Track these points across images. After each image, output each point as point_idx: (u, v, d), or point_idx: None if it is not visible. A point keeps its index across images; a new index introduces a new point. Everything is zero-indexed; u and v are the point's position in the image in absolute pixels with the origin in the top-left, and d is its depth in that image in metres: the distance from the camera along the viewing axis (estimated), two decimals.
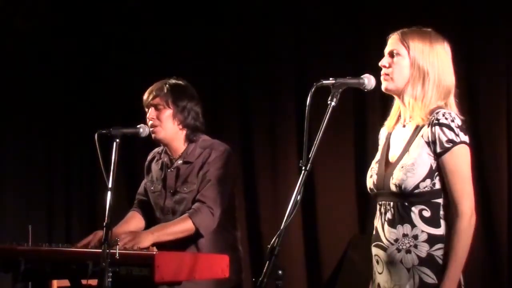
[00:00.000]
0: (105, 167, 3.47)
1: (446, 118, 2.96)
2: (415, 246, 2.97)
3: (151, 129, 3.96)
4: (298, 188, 2.77)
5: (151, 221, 4.15)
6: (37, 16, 6.45)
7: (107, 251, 3.25)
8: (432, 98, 3.02)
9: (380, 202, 3.07)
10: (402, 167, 2.99)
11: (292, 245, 5.66)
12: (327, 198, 5.69)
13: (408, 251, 2.98)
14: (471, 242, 2.93)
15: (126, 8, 6.43)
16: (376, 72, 3.07)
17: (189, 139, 4.06)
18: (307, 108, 2.83)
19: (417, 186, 2.95)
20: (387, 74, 3.07)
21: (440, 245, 2.96)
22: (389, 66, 3.07)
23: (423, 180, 2.96)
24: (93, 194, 6.51)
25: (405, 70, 3.04)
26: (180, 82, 4.12)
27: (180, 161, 4.05)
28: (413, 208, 2.98)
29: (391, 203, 3.02)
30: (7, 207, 6.44)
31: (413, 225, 2.97)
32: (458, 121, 2.97)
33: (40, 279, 3.99)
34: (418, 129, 3.02)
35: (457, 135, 2.95)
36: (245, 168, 5.93)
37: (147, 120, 4.05)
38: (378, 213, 3.08)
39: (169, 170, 4.08)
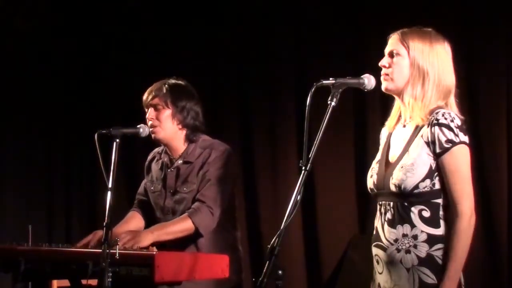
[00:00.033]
0: (105, 167, 3.47)
1: (446, 118, 2.96)
2: (415, 246, 2.97)
3: (150, 129, 3.96)
4: (298, 188, 2.77)
5: (151, 221, 4.15)
6: (37, 16, 6.45)
7: (107, 251, 3.25)
8: (432, 98, 3.02)
9: (380, 202, 3.07)
10: (402, 167, 2.99)
11: (292, 245, 5.66)
12: (327, 198, 5.69)
13: (407, 251, 2.98)
14: (471, 242, 2.93)
15: (126, 8, 6.43)
16: (376, 72, 3.07)
17: (189, 139, 4.06)
18: (307, 108, 2.83)
19: (416, 186, 2.95)
20: (387, 74, 3.07)
21: (439, 245, 2.96)
22: (389, 66, 3.07)
23: (423, 180, 2.96)
24: (93, 194, 6.51)
25: (405, 70, 3.04)
26: (179, 82, 4.12)
27: (180, 161, 4.05)
28: (412, 208, 2.98)
29: (391, 203, 3.02)
30: (7, 207, 6.44)
31: (413, 225, 2.97)
32: (458, 121, 2.97)
33: (40, 279, 3.99)
34: (418, 129, 3.03)
35: (456, 135, 2.95)
36: (245, 168, 5.93)
37: (147, 120, 4.05)
38: (378, 213, 3.08)
39: (169, 170, 4.08)
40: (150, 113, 4.05)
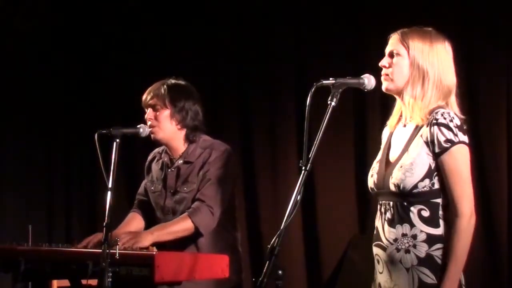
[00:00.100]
0: (105, 167, 3.47)
1: (445, 118, 2.96)
2: (414, 246, 2.97)
3: (149, 129, 3.96)
4: (298, 188, 2.77)
5: (151, 222, 4.15)
6: (37, 16, 6.45)
7: (107, 251, 3.25)
8: (432, 98, 3.02)
9: (380, 202, 3.08)
10: (401, 166, 2.99)
11: (292, 245, 5.66)
12: (327, 198, 5.68)
13: (407, 251, 2.98)
14: (471, 242, 2.93)
15: (126, 8, 6.43)
16: (376, 72, 3.07)
17: (188, 139, 4.06)
18: (307, 108, 2.83)
19: (415, 186, 2.95)
20: (387, 74, 3.07)
21: (439, 245, 2.96)
22: (389, 66, 3.07)
23: (422, 180, 2.96)
24: (93, 194, 6.50)
25: (405, 70, 3.04)
26: (179, 82, 4.12)
27: (180, 161, 4.05)
28: (412, 208, 2.98)
29: (391, 203, 3.02)
30: (7, 207, 6.44)
31: (412, 225, 2.97)
32: (457, 121, 2.97)
33: (40, 279, 4.00)
34: (417, 129, 3.03)
35: (455, 135, 2.95)
36: (245, 168, 5.93)
37: (146, 120, 4.05)
38: (378, 212, 3.08)
39: (169, 170, 4.08)
40: (149, 113, 4.05)
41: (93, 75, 6.61)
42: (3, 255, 3.86)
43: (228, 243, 4.01)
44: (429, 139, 2.97)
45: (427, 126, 2.98)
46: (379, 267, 3.07)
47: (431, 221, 2.96)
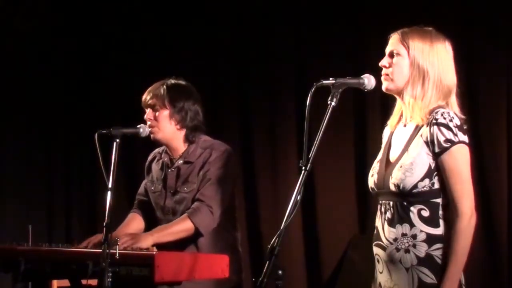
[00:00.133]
0: (105, 167, 3.47)
1: (445, 118, 2.96)
2: (414, 246, 2.97)
3: (148, 129, 3.96)
4: (298, 188, 2.77)
5: (151, 222, 4.15)
6: (37, 16, 6.45)
7: (107, 251, 3.25)
8: (432, 98, 3.02)
9: (380, 202, 3.08)
10: (401, 166, 2.99)
11: (292, 245, 5.66)
12: (327, 198, 5.68)
13: (407, 251, 2.98)
14: (471, 242, 2.93)
15: (126, 8, 6.43)
16: (376, 72, 3.07)
17: (188, 139, 4.06)
18: (307, 108, 2.83)
19: (415, 186, 2.95)
20: (387, 74, 3.07)
21: (439, 245, 2.96)
22: (389, 66, 3.07)
23: (422, 179, 2.96)
24: (93, 194, 6.50)
25: (405, 70, 3.04)
26: (179, 82, 4.11)
27: (180, 161, 4.05)
28: (412, 208, 2.98)
29: (391, 203, 3.02)
30: (7, 207, 6.44)
31: (412, 225, 2.97)
32: (457, 121, 2.97)
33: (40, 279, 4.00)
34: (417, 128, 3.03)
35: (455, 134, 2.95)
36: (245, 168, 5.93)
37: (145, 120, 4.05)
38: (378, 212, 3.09)
39: (169, 170, 4.08)
40: (148, 113, 4.06)
41: (93, 75, 6.61)
42: (3, 255, 3.86)
43: (228, 243, 4.01)
44: (429, 139, 2.97)
45: (427, 126, 2.98)
46: (379, 267, 3.07)
47: (431, 221, 2.96)
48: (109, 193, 3.40)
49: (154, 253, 3.42)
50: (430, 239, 2.95)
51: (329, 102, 2.89)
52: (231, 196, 4.04)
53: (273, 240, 2.71)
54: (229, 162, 4.00)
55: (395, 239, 3.00)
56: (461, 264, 2.92)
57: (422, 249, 2.96)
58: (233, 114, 6.13)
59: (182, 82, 4.12)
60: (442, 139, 2.94)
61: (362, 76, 3.01)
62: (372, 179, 3.10)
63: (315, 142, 2.82)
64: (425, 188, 2.96)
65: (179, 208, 4.00)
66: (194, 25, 6.20)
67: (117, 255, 3.29)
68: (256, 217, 5.93)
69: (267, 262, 2.70)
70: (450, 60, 3.07)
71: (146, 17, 6.42)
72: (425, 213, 2.97)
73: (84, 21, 6.55)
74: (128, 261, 3.39)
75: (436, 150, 2.95)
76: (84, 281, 3.61)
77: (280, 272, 2.70)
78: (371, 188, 3.12)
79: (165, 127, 4.03)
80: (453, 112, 2.99)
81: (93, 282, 3.46)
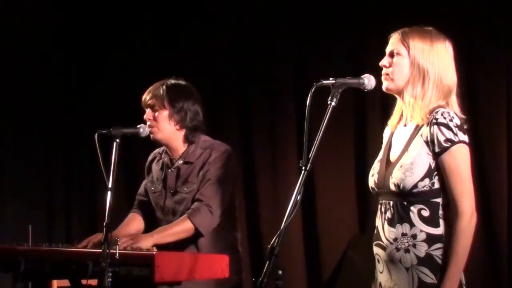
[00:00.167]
0: (105, 167, 3.47)
1: (445, 118, 2.96)
2: (414, 246, 2.97)
3: (148, 129, 3.96)
4: (298, 188, 2.77)
5: (151, 222, 4.15)
6: (37, 16, 6.45)
7: (107, 251, 3.25)
8: (432, 98, 3.02)
9: (381, 201, 3.08)
10: (401, 166, 2.99)
11: (292, 245, 5.66)
12: (327, 198, 5.68)
13: (407, 251, 2.98)
14: (472, 242, 2.93)
15: (126, 8, 6.43)
16: (376, 72, 3.07)
17: (188, 140, 4.06)
18: (307, 108, 2.83)
19: (415, 186, 2.95)
20: (388, 74, 3.07)
21: (439, 245, 2.96)
22: (389, 66, 3.07)
23: (422, 179, 2.96)
24: (93, 194, 6.50)
25: (405, 69, 3.04)
26: (179, 82, 4.11)
27: (180, 161, 4.05)
28: (412, 208, 2.98)
29: (391, 202, 3.02)
30: (7, 207, 6.44)
31: (412, 225, 2.97)
32: (457, 121, 2.97)
33: (40, 279, 4.00)
34: (418, 128, 3.03)
35: (455, 134, 2.95)
36: (245, 168, 5.93)
37: (145, 120, 4.05)
38: (379, 212, 3.09)
39: (169, 170, 4.08)
40: (148, 113, 4.06)
41: (93, 75, 6.61)
42: (3, 255, 3.86)
43: (228, 243, 4.01)
44: (429, 138, 2.97)
45: (427, 125, 2.98)
46: (380, 267, 3.07)
47: (431, 221, 2.96)
48: (109, 193, 3.40)
49: (154, 253, 3.42)
50: (430, 239, 2.95)
51: (329, 102, 2.89)
52: (231, 196, 4.04)
53: (273, 240, 2.71)
54: (229, 162, 4.00)
55: (395, 239, 3.00)
56: (461, 264, 2.92)
57: (422, 249, 2.96)
58: (233, 114, 6.13)
59: (182, 82, 4.12)
60: (442, 138, 2.94)
61: (362, 76, 3.01)
62: (372, 179, 3.10)
63: (315, 142, 2.82)
64: (425, 188, 2.96)
65: (179, 208, 4.00)
66: (194, 25, 6.20)
67: (117, 255, 3.29)
68: (256, 217, 5.93)
69: (267, 262, 2.70)
70: (451, 59, 3.07)
71: (146, 17, 6.42)
72: (425, 213, 2.97)
73: (84, 21, 6.55)
74: (128, 261, 3.39)
75: (436, 149, 2.95)
76: (84, 281, 3.61)
77: (280, 272, 2.70)
78: (372, 187, 3.12)
79: (165, 127, 4.03)
80: (453, 112, 2.99)
81: (93, 282, 3.46)
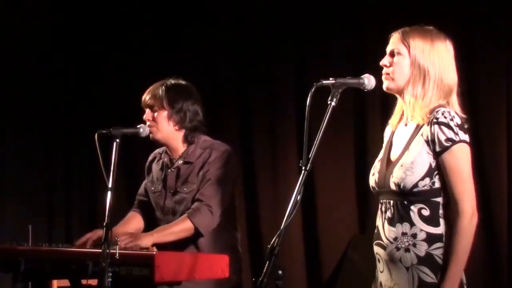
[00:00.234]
0: (105, 167, 3.47)
1: (445, 117, 2.96)
2: (414, 245, 2.97)
3: (148, 129, 3.96)
4: (298, 188, 2.77)
5: (151, 222, 4.15)
6: (37, 16, 6.45)
7: (107, 251, 3.25)
8: (432, 97, 3.02)
9: (381, 201, 3.08)
10: (402, 165, 2.99)
11: (292, 245, 5.66)
12: (327, 198, 5.68)
13: (407, 250, 2.98)
14: (472, 241, 2.93)
15: (126, 8, 6.43)
16: (376, 72, 3.07)
17: (187, 140, 4.06)
18: (307, 108, 2.83)
19: (416, 185, 2.96)
20: (388, 74, 3.07)
21: (439, 244, 2.96)
22: (390, 65, 3.07)
23: (422, 179, 2.96)
24: (93, 194, 6.50)
25: (406, 69, 3.04)
26: (179, 82, 4.11)
27: (180, 161, 4.05)
28: (412, 207, 2.98)
29: (391, 202, 3.02)
30: (7, 207, 6.44)
31: (412, 224, 2.97)
32: (458, 120, 2.97)
33: (40, 279, 4.00)
34: (418, 128, 3.03)
35: (456, 134, 2.95)
36: (245, 168, 5.93)
37: (145, 120, 4.05)
38: (379, 211, 3.09)
39: (169, 170, 4.08)
40: (147, 114, 4.06)
41: (93, 75, 6.61)
42: (3, 255, 3.86)
43: (228, 243, 4.01)
44: (429, 138, 2.97)
45: (428, 125, 2.98)
46: (380, 266, 3.08)
47: (431, 220, 2.96)
48: (109, 193, 3.40)
49: (154, 253, 3.42)
50: (430, 238, 2.95)
51: (329, 102, 2.89)
52: (231, 196, 4.04)
53: (273, 240, 2.71)
54: (229, 162, 4.00)
55: (395, 238, 3.00)
56: (462, 263, 2.92)
57: (422, 248, 2.96)
58: (233, 114, 6.13)
59: (182, 82, 4.12)
60: (443, 138, 2.94)
61: (362, 76, 3.01)
62: (373, 178, 3.11)
63: (315, 142, 2.82)
64: (425, 187, 2.96)
65: (179, 208, 4.00)
66: (194, 25, 6.20)
67: (117, 255, 3.29)
68: (256, 217, 5.93)
69: (267, 262, 2.70)
70: (451, 59, 3.07)
71: (146, 17, 6.42)
72: (426, 212, 2.97)
73: (84, 21, 6.55)
74: (128, 261, 3.39)
75: (437, 149, 2.95)
76: (84, 281, 3.61)
77: (280, 272, 2.70)
78: (372, 187, 3.12)
79: (164, 127, 4.03)
80: (454, 111, 2.99)
81: (93, 282, 3.46)
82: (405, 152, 3.02)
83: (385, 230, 3.03)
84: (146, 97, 4.07)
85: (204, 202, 3.89)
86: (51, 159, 6.70)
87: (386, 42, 3.12)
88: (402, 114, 3.13)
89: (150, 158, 4.26)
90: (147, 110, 4.06)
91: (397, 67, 3.05)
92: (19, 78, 6.47)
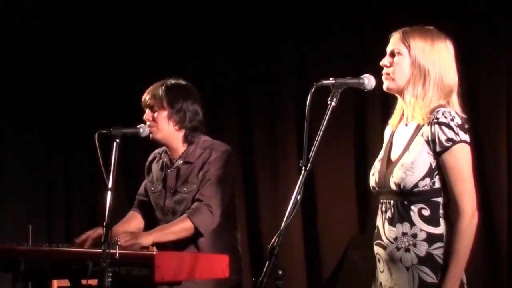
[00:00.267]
0: (105, 167, 3.47)
1: (446, 117, 2.96)
2: (414, 245, 2.97)
3: (148, 129, 3.96)
4: (298, 188, 2.77)
5: (151, 222, 4.15)
6: (37, 16, 6.45)
7: (107, 251, 3.25)
8: (433, 97, 3.02)
9: (381, 201, 3.08)
10: (402, 165, 2.99)
11: (292, 245, 5.66)
12: (327, 198, 5.68)
13: (407, 250, 2.98)
14: (473, 241, 2.93)
15: (126, 8, 6.43)
16: (376, 72, 3.07)
17: (187, 140, 4.06)
18: (307, 108, 2.83)
19: (416, 185, 2.96)
20: (388, 74, 3.07)
21: (439, 244, 2.96)
22: (390, 66, 3.07)
23: (422, 179, 2.96)
24: (93, 194, 6.50)
25: (406, 69, 3.04)
26: (179, 82, 4.11)
27: (180, 161, 4.05)
28: (412, 207, 2.98)
29: (391, 202, 3.02)
30: (7, 207, 6.44)
31: (412, 224, 2.97)
32: (458, 120, 2.97)
33: (40, 279, 4.00)
34: (418, 128, 3.03)
35: (456, 134, 2.95)
36: (245, 168, 5.93)
37: (145, 120, 4.05)
38: (379, 211, 3.09)
39: (169, 170, 4.08)
40: (147, 114, 4.06)
41: (93, 75, 6.61)
42: (3, 255, 3.86)
43: (228, 243, 4.01)
44: (430, 138, 2.97)
45: (428, 125, 2.98)
46: (380, 266, 3.07)
47: (431, 220, 2.96)
48: (109, 193, 3.40)
49: (154, 253, 3.42)
50: (431, 238, 2.95)
51: (329, 102, 2.89)
52: (231, 196, 4.04)
53: (273, 240, 2.71)
54: (229, 162, 4.00)
55: (396, 238, 3.00)
56: (462, 263, 2.92)
57: (422, 248, 2.96)
58: (233, 114, 6.13)
59: (182, 82, 4.11)
60: (443, 138, 2.94)
61: (362, 76, 3.01)
62: (373, 178, 3.11)
63: (315, 142, 2.82)
64: (425, 187, 2.96)
65: (179, 208, 4.00)
66: (194, 25, 6.20)
67: (117, 255, 3.29)
68: (256, 217, 5.93)
69: (267, 262, 2.70)
70: (451, 59, 3.07)
71: (146, 17, 6.42)
72: (426, 212, 2.97)
73: (84, 21, 6.55)
74: (128, 261, 3.39)
75: (437, 149, 2.95)
76: (84, 281, 3.61)
77: (280, 272, 2.70)
78: (372, 187, 3.12)
79: (164, 127, 4.03)
80: (454, 111, 2.99)
81: (93, 282, 3.46)
82: (406, 152, 3.02)
83: (385, 230, 3.03)
84: (146, 97, 4.07)
85: (204, 202, 3.89)
86: (51, 159, 6.70)
87: (386, 42, 3.12)
88: (402, 114, 3.13)
89: (150, 158, 4.26)
90: (147, 110, 4.06)
91: (397, 67, 3.05)
92: (19, 78, 6.47)
